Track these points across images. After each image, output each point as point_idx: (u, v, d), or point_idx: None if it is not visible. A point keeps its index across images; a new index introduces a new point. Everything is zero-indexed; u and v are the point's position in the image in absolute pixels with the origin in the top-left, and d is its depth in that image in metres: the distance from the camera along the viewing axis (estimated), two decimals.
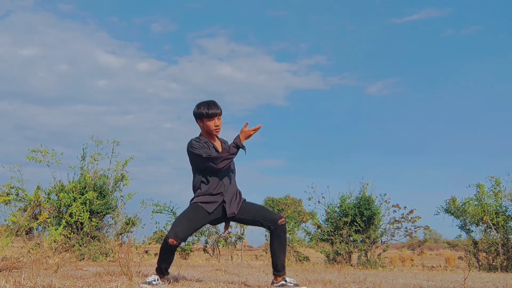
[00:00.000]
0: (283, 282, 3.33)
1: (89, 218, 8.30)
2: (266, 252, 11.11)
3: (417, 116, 29.33)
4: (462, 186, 11.06)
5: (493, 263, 8.83)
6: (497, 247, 8.79)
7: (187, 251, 10.03)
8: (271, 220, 3.34)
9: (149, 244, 10.25)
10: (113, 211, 8.73)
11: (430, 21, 27.64)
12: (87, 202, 8.29)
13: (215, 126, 3.38)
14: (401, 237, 9.47)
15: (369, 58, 30.41)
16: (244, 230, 10.41)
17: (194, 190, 3.39)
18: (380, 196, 9.43)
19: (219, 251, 10.15)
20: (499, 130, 26.34)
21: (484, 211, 8.95)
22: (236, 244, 10.46)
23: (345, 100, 29.84)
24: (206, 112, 3.33)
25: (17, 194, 8.22)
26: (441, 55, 28.49)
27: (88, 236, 8.22)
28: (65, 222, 8.10)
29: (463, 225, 9.46)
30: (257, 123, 3.30)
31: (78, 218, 8.15)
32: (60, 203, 8.27)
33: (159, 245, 9.04)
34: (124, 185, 8.93)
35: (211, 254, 10.10)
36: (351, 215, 9.21)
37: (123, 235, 8.93)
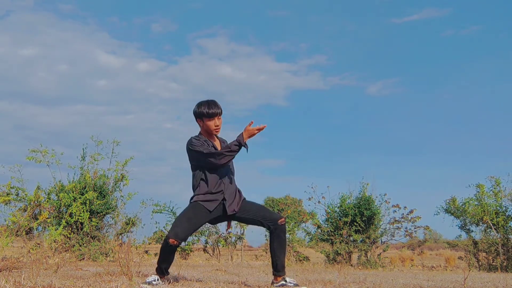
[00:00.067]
0: (283, 282, 3.33)
1: (89, 218, 8.30)
2: (266, 252, 11.11)
3: (417, 116, 29.34)
4: (462, 186, 11.06)
5: (493, 263, 8.83)
6: (497, 247, 8.79)
7: (187, 251, 10.03)
8: (271, 220, 3.34)
9: (149, 244, 10.24)
10: (113, 211, 8.73)
11: (430, 21, 27.65)
12: (87, 202, 8.29)
13: (215, 126, 3.38)
14: (401, 237, 9.48)
15: (369, 58, 30.41)
16: (244, 230, 10.41)
17: (194, 188, 3.39)
18: (380, 196, 9.46)
19: (219, 251, 10.15)
20: (499, 130, 26.34)
21: (484, 211, 8.95)
22: (236, 244, 10.46)
23: (345, 100, 29.85)
24: (206, 111, 3.33)
25: (17, 194, 8.22)
26: (441, 55, 28.49)
27: (88, 236, 8.22)
28: (65, 222, 8.10)
29: (463, 225, 9.46)
30: (257, 123, 3.28)
31: (78, 218, 8.15)
32: (60, 203, 8.27)
33: (159, 245, 9.05)
34: (124, 185, 8.94)
35: (211, 254, 10.10)
36: (351, 215, 9.21)
37: (123, 235, 8.93)
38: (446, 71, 29.16)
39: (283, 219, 3.36)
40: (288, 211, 11.47)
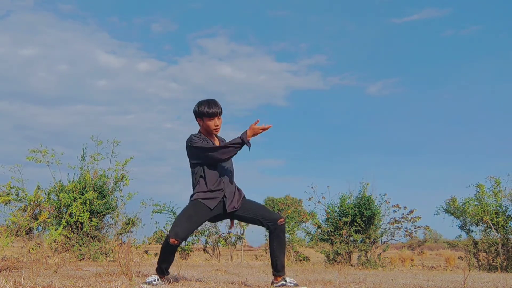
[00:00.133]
0: (283, 282, 3.33)
1: (89, 218, 8.30)
2: (266, 252, 11.11)
3: (417, 116, 29.34)
4: (462, 186, 11.07)
5: (493, 263, 8.83)
6: (497, 247, 8.79)
7: (187, 251, 10.03)
8: (271, 220, 3.34)
9: (149, 244, 10.24)
10: (113, 211, 8.73)
11: (430, 21, 27.65)
12: (87, 202, 8.29)
13: (215, 126, 3.38)
14: (401, 237, 9.48)
15: (369, 58, 30.42)
16: (244, 230, 10.41)
17: (194, 187, 3.39)
18: (380, 196, 9.45)
19: (219, 251, 10.15)
20: (499, 130, 26.35)
21: (484, 211, 8.95)
22: (236, 244, 10.46)
23: (345, 100, 29.85)
24: (207, 111, 3.33)
25: (17, 194, 8.22)
26: (441, 55, 28.50)
27: (88, 236, 8.22)
28: (65, 222, 8.10)
29: (463, 225, 9.46)
30: (259, 123, 3.27)
31: (78, 218, 8.15)
32: (60, 203, 8.27)
33: (159, 245, 9.05)
34: (124, 185, 8.94)
35: (211, 254, 10.10)
36: (351, 215, 9.20)
37: (123, 235, 8.93)
38: (446, 71, 29.19)
39: (282, 219, 3.36)
40: (288, 211, 11.47)
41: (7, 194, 8.13)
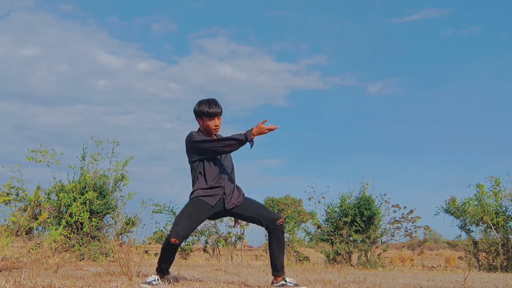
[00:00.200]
0: (283, 282, 3.33)
1: (89, 218, 8.30)
2: (266, 252, 11.11)
3: (417, 116, 29.36)
4: (462, 186, 11.08)
5: (493, 263, 8.83)
6: (497, 247, 8.79)
7: (187, 251, 10.03)
8: (270, 220, 3.33)
9: (149, 244, 10.24)
10: (113, 211, 8.73)
11: (430, 21, 27.67)
12: (87, 202, 8.29)
13: (214, 126, 3.38)
14: (401, 237, 9.49)
15: (369, 58, 30.44)
16: (244, 230, 10.41)
17: (193, 183, 3.38)
18: (380, 196, 9.46)
19: (219, 251, 10.15)
20: (499, 130, 26.36)
21: (484, 211, 8.95)
22: (236, 244, 10.46)
23: (345, 100, 29.87)
24: (207, 110, 3.32)
25: (17, 194, 8.22)
26: (441, 55, 28.52)
27: (88, 236, 8.22)
28: (65, 222, 8.10)
29: (463, 225, 9.46)
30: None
31: (78, 218, 8.15)
32: (60, 203, 8.27)
33: (159, 245, 9.04)
34: (124, 185, 8.94)
35: (211, 254, 10.10)
36: (351, 215, 9.20)
37: (123, 235, 8.93)
38: (446, 71, 29.20)
39: (282, 219, 3.35)
40: (288, 211, 11.47)
41: (7, 194, 8.13)
